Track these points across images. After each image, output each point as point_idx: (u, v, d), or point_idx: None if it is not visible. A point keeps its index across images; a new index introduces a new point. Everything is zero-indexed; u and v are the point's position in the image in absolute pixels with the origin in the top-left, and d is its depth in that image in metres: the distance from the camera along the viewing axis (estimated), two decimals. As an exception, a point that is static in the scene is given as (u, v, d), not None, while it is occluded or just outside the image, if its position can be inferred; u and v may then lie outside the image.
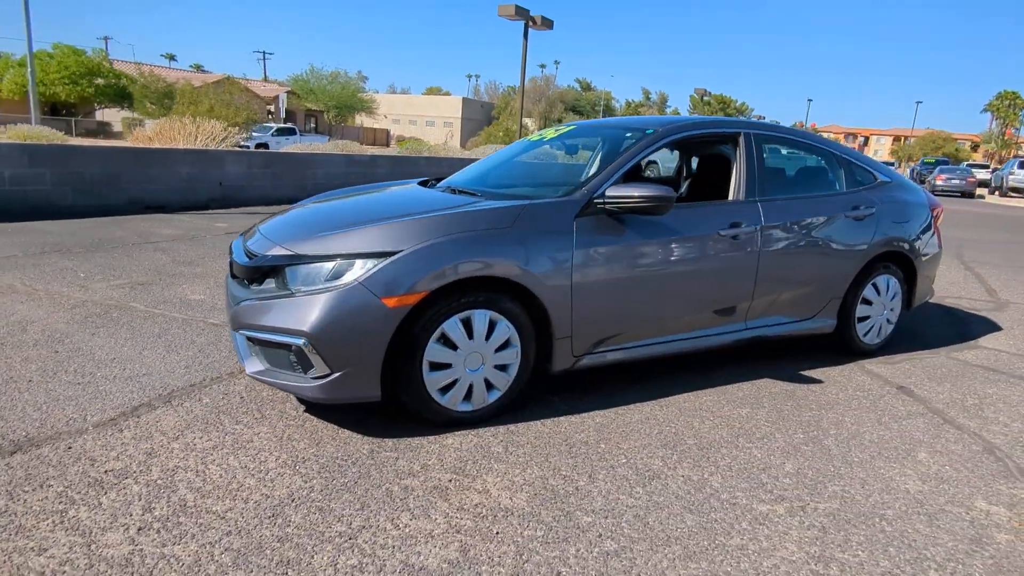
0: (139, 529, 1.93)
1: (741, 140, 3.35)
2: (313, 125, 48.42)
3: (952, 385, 3.48)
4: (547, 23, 16.59)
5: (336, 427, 2.64)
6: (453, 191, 3.27)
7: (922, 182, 31.00)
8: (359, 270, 2.42)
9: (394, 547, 1.89)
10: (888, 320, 3.89)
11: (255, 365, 2.65)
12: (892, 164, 47.31)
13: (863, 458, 2.58)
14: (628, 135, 3.30)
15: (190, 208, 9.23)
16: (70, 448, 2.39)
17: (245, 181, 9.98)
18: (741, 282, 3.23)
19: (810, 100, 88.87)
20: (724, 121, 3.45)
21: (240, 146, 25.78)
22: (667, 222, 2.99)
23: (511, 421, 2.76)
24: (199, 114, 15.80)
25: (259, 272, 2.62)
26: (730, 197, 3.31)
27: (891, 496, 2.30)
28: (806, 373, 3.54)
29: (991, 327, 4.80)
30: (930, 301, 5.57)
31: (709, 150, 4.01)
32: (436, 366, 2.56)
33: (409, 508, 2.09)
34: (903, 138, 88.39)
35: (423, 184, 3.68)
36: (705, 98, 79.04)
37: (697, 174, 4.17)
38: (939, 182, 26.62)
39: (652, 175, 4.46)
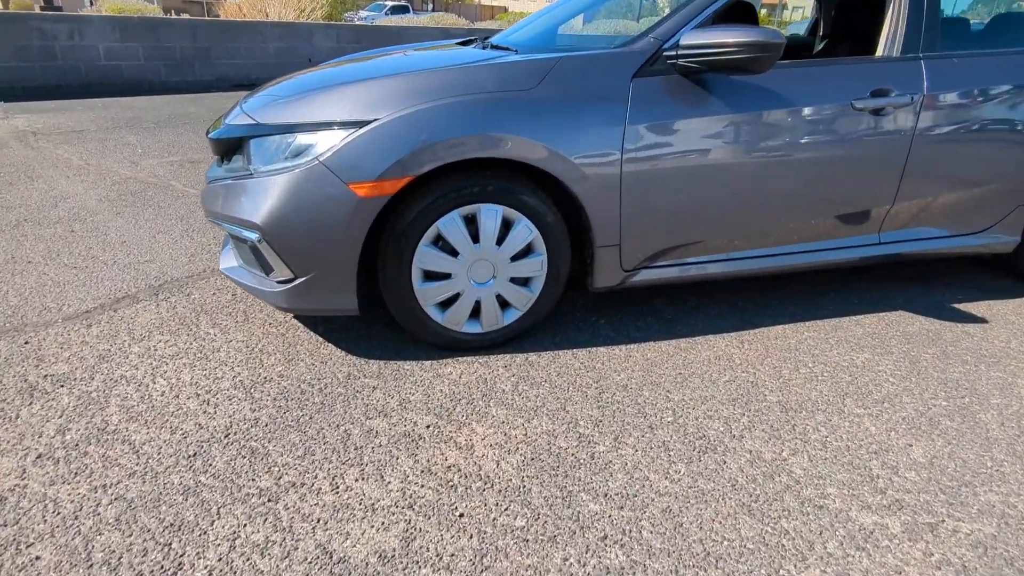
0: (38, 456, 1.59)
1: (908, -37, 2.26)
2: (430, 6, 46.80)
3: None
4: None
5: (321, 340, 2.17)
6: (489, 48, 2.52)
7: None
8: (322, 145, 1.82)
9: (319, 521, 1.41)
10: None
11: (228, 260, 2.20)
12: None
13: (1040, 448, 1.74)
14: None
15: (279, 85, 8.97)
16: (27, 343, 2.11)
17: (335, 56, 9.50)
18: (880, 178, 2.29)
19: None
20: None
21: (359, 22, 25.40)
22: (773, 87, 2.08)
23: (533, 348, 2.15)
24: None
25: (226, 147, 2.10)
26: (879, 52, 2.29)
27: (1084, 520, 1.49)
28: (960, 307, 2.59)
29: None
30: None
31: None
32: (431, 275, 1.98)
33: (361, 462, 1.59)
34: None
35: (464, 43, 2.93)
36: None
37: (838, 25, 3.04)
38: None
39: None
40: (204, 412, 1.78)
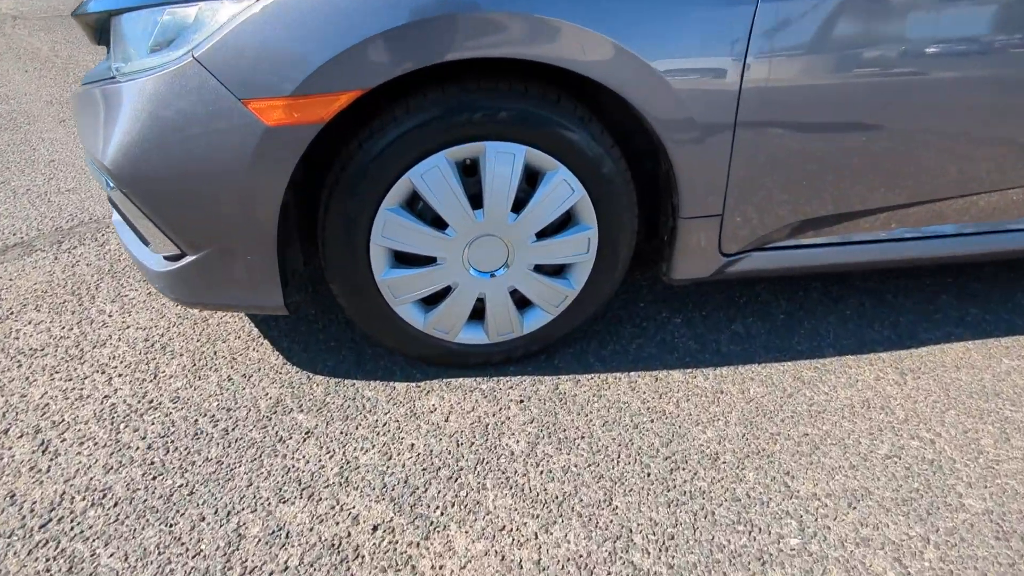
0: None
1: None
2: None
3: None
4: None
5: (254, 336, 1.47)
6: None
7: None
8: (201, 27, 1.02)
9: None
10: None
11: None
12: None
13: None
14: None
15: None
16: None
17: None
18: None
19: None
20: None
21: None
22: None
23: (567, 367, 1.39)
24: None
25: (97, 32, 1.33)
26: None
27: None
28: None
29: None
30: None
31: None
32: (403, 258, 1.20)
33: (243, 610, 0.90)
34: None
35: None
36: None
37: None
38: None
39: None
40: (31, 468, 1.12)
